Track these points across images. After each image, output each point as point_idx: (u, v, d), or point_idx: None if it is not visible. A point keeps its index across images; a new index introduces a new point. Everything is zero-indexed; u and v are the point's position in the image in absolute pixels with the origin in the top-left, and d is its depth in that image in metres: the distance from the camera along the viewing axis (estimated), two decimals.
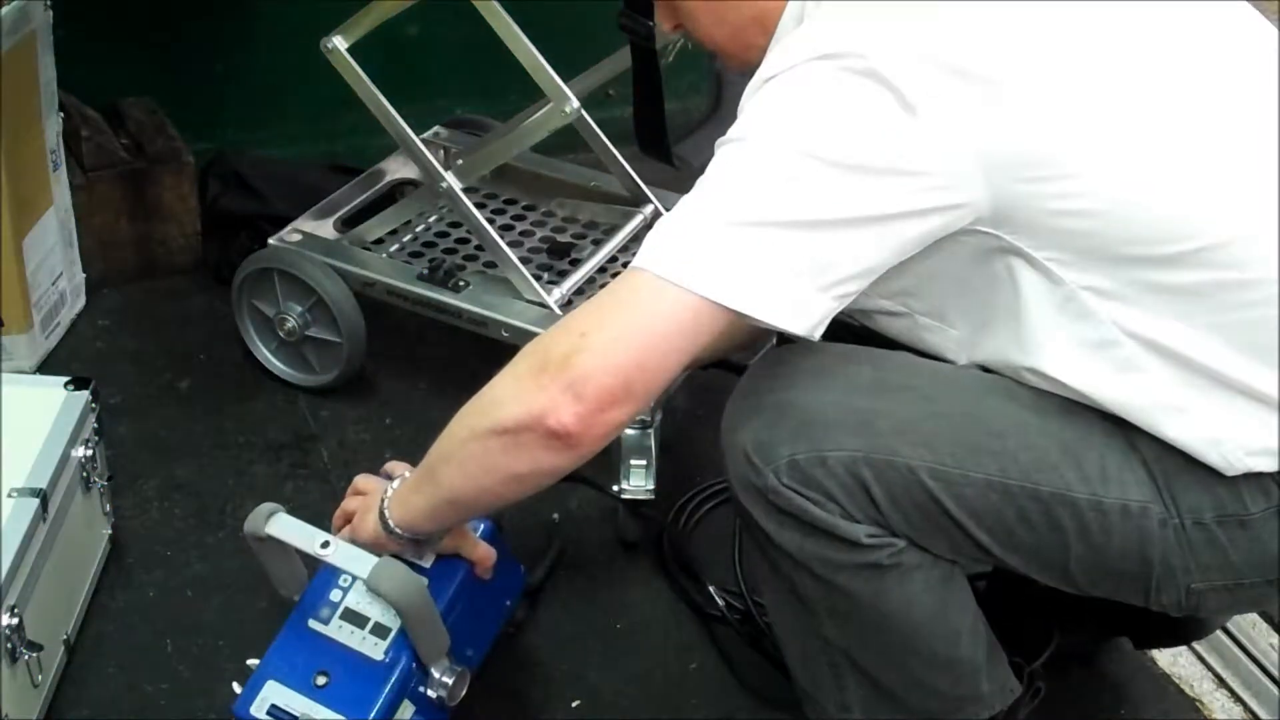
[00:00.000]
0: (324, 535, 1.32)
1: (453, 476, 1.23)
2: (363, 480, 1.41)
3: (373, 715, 1.29)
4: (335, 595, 1.36)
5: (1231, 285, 1.12)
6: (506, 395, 1.16)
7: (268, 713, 1.30)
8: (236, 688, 1.33)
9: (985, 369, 1.24)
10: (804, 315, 1.11)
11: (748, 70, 1.24)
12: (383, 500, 1.32)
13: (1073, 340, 1.15)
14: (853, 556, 1.20)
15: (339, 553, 1.31)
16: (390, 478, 1.35)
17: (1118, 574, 1.20)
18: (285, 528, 1.33)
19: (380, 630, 1.33)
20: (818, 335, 1.13)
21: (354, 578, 1.36)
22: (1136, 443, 1.17)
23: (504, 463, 1.18)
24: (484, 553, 1.41)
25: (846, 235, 1.10)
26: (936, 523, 1.19)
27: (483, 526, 1.44)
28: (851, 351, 1.25)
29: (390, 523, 1.31)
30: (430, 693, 1.35)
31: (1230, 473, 1.15)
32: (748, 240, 1.09)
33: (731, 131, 1.14)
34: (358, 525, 1.35)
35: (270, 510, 1.34)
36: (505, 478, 1.19)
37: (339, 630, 1.34)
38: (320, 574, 1.39)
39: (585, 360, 1.10)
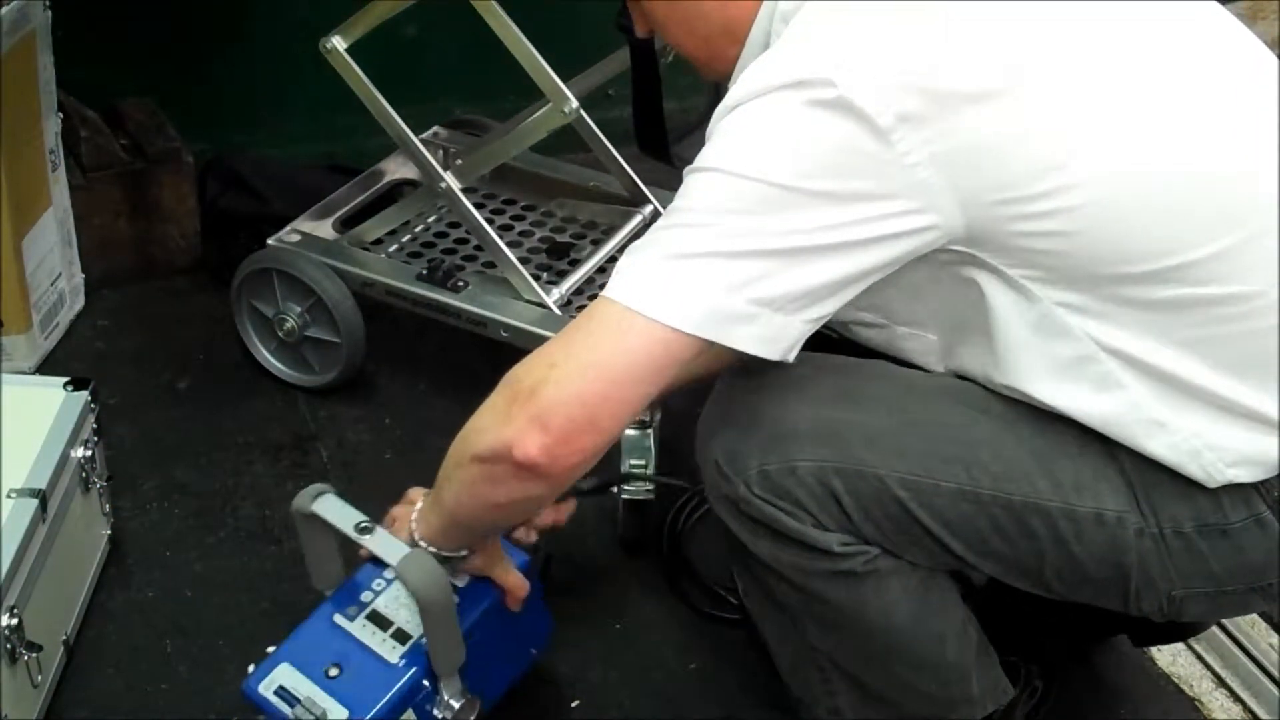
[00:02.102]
0: (365, 520, 1.32)
1: (450, 498, 1.24)
2: (414, 491, 1.40)
3: (373, 714, 1.29)
4: (366, 596, 1.37)
5: (1209, 300, 1.11)
6: (484, 424, 1.16)
7: (274, 693, 1.31)
8: (251, 668, 1.34)
9: (961, 376, 1.24)
10: (776, 342, 1.10)
11: (721, 79, 1.22)
12: (414, 514, 1.33)
13: (1048, 359, 1.15)
14: (826, 564, 1.20)
15: (376, 538, 1.31)
16: None
17: (1095, 581, 1.20)
18: (329, 507, 1.33)
19: (401, 636, 1.34)
20: (791, 358, 1.13)
21: (388, 583, 1.37)
22: (1115, 452, 1.17)
23: (485, 491, 1.19)
24: (515, 581, 1.40)
25: (819, 263, 1.08)
26: (909, 532, 1.19)
27: (520, 559, 1.42)
28: (824, 361, 1.25)
29: (416, 536, 1.32)
30: (436, 712, 1.34)
31: (1211, 485, 1.15)
32: (717, 270, 1.07)
33: (699, 159, 1.12)
34: (395, 533, 1.35)
35: (319, 490, 1.34)
36: (488, 504, 1.20)
37: (361, 629, 1.35)
38: (357, 574, 1.39)
39: (551, 392, 1.10)
